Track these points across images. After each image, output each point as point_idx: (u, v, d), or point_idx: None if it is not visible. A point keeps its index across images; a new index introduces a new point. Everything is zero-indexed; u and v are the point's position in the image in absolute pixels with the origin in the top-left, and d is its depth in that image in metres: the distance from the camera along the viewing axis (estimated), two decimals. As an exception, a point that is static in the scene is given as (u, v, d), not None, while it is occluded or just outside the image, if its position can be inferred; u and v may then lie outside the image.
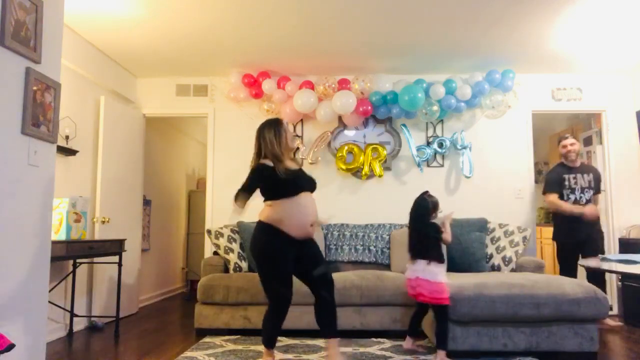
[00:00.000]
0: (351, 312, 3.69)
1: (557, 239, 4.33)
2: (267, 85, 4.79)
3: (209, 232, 4.27)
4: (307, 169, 3.34)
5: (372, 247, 4.36)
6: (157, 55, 4.53)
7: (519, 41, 4.18)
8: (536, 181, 5.20)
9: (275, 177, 2.69)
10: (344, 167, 4.83)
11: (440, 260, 3.03)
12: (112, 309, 4.23)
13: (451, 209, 4.40)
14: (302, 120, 4.93)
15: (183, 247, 6.85)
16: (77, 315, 3.97)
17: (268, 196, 2.76)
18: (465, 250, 4.11)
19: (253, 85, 4.85)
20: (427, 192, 3.21)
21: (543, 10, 3.61)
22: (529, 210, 4.89)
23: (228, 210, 4.84)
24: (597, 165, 4.95)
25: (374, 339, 3.59)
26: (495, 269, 4.00)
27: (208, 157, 5.12)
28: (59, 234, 3.42)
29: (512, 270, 3.96)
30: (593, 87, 4.99)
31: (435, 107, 4.64)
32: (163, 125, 6.05)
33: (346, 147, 4.85)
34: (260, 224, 2.76)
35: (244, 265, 4.11)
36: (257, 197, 2.79)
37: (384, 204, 4.85)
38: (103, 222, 4.31)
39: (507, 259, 3.98)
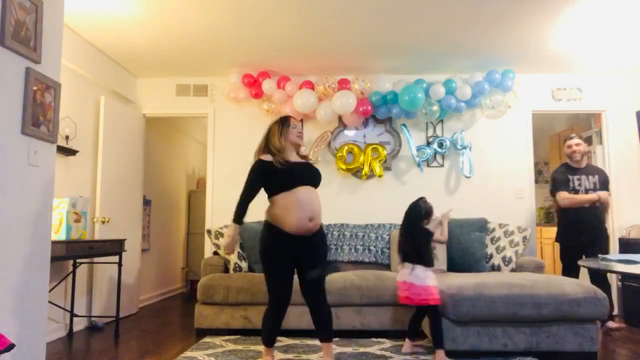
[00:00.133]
0: (351, 312, 3.69)
1: (560, 241, 4.22)
2: (267, 85, 4.79)
3: (209, 232, 4.27)
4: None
5: (372, 247, 4.36)
6: (157, 55, 4.53)
7: (519, 41, 4.18)
8: (536, 181, 5.21)
9: (273, 170, 2.69)
10: (344, 167, 4.83)
11: (427, 264, 3.05)
12: (112, 309, 4.23)
13: (451, 209, 4.42)
14: (302, 120, 4.93)
15: (183, 247, 6.85)
16: (77, 315, 3.97)
17: (268, 192, 2.75)
18: (465, 250, 4.10)
19: (253, 85, 4.85)
20: (422, 198, 3.22)
21: (543, 10, 3.61)
22: (529, 210, 4.89)
23: (228, 210, 4.84)
24: (597, 165, 4.94)
25: (374, 339, 3.59)
26: (495, 269, 4.00)
27: (208, 157, 5.12)
28: (59, 234, 3.42)
29: (512, 270, 3.96)
30: (593, 87, 4.99)
31: (435, 107, 4.64)
32: (163, 125, 6.05)
33: (346, 147, 4.85)
34: (264, 223, 2.78)
35: (244, 265, 4.11)
36: (260, 196, 2.77)
37: (384, 204, 4.85)
38: (103, 222, 4.31)
39: (507, 259, 3.98)
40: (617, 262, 2.93)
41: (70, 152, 3.93)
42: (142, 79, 5.17)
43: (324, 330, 2.75)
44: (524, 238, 4.04)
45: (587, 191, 4.06)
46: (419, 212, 3.14)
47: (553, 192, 4.22)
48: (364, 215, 4.77)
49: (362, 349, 3.29)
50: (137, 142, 4.99)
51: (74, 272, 3.89)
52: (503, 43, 4.23)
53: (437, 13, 3.66)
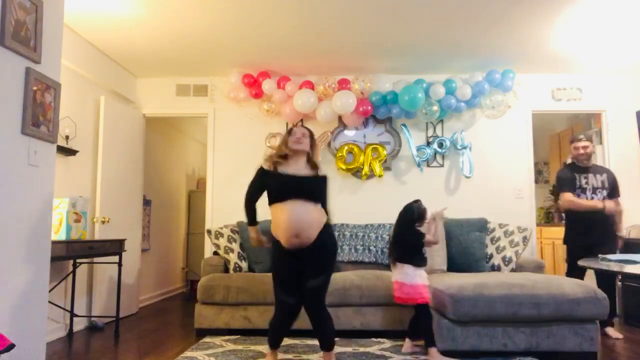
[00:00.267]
0: (351, 312, 3.69)
1: (567, 242, 4.11)
2: (267, 85, 4.79)
3: (209, 232, 4.27)
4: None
5: (372, 247, 4.36)
6: (157, 55, 4.53)
7: (519, 41, 4.18)
8: (536, 181, 5.21)
9: (269, 179, 2.71)
10: (344, 167, 4.83)
11: (417, 264, 3.08)
12: (112, 309, 4.23)
13: (451, 209, 4.41)
14: (302, 120, 4.93)
15: (183, 247, 6.85)
16: (77, 315, 3.97)
17: (268, 200, 2.76)
18: (465, 250, 4.10)
19: (253, 85, 4.85)
20: (417, 200, 3.23)
21: (543, 10, 3.61)
22: (529, 210, 4.89)
23: (228, 210, 4.87)
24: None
25: (374, 339, 3.59)
26: (495, 269, 4.00)
27: (208, 157, 5.12)
28: (59, 234, 3.42)
29: (512, 270, 3.96)
30: (593, 87, 4.99)
31: (435, 107, 4.65)
32: (163, 125, 6.05)
33: (346, 147, 4.85)
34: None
35: (244, 265, 4.11)
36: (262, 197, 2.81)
37: (384, 204, 4.85)
38: (103, 222, 4.31)
39: (507, 259, 3.98)
40: (616, 262, 2.93)
41: (70, 152, 3.93)
42: (142, 79, 5.17)
43: (321, 340, 2.75)
44: (524, 238, 4.04)
45: (594, 190, 3.96)
46: (411, 214, 3.16)
47: (557, 192, 4.15)
48: (364, 215, 4.77)
49: (362, 349, 3.29)
50: (137, 142, 4.99)
51: (74, 272, 3.89)
52: (503, 43, 4.23)
53: (437, 13, 3.66)
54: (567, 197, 3.98)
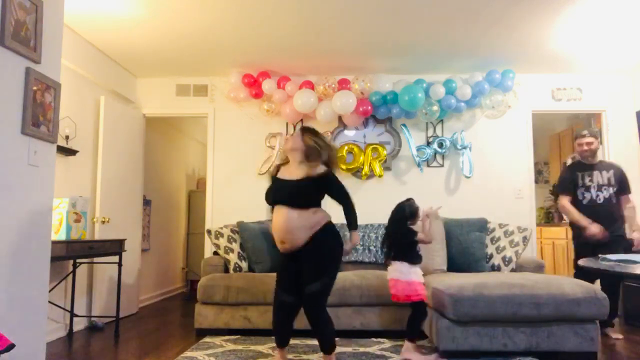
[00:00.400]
0: (351, 312, 3.69)
1: (575, 239, 4.04)
2: (267, 85, 4.79)
3: (209, 232, 4.27)
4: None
5: (372, 247, 4.36)
6: (157, 55, 4.53)
7: (519, 41, 4.18)
8: (536, 181, 5.21)
9: (271, 185, 2.85)
10: (344, 167, 4.83)
11: (411, 261, 3.08)
12: (112, 309, 4.23)
13: (451, 209, 4.42)
14: (302, 120, 4.93)
15: (183, 247, 6.85)
16: (77, 315, 3.97)
17: None
18: (465, 250, 4.10)
19: (253, 85, 4.85)
20: (410, 199, 3.23)
21: (543, 10, 3.61)
22: (529, 210, 4.89)
23: (228, 210, 4.86)
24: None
25: (374, 339, 3.59)
26: (495, 269, 4.00)
27: (208, 157, 5.12)
28: (59, 234, 3.42)
29: (512, 270, 3.96)
30: (593, 87, 4.99)
31: (435, 107, 4.65)
32: (163, 125, 6.05)
33: (346, 147, 4.85)
34: None
35: (244, 265, 4.11)
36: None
37: (384, 204, 4.78)
38: (103, 222, 4.31)
39: (507, 259, 3.98)
40: (616, 262, 2.93)
41: (70, 152, 3.93)
42: (142, 79, 5.17)
43: (321, 343, 2.75)
44: (524, 238, 4.04)
45: (600, 187, 3.86)
46: (403, 213, 3.17)
47: (557, 194, 4.11)
48: (364, 215, 4.69)
49: (362, 349, 3.29)
50: (137, 142, 4.99)
51: (74, 272, 3.89)
52: (503, 43, 4.23)
53: (437, 13, 3.66)
54: (562, 203, 3.98)
